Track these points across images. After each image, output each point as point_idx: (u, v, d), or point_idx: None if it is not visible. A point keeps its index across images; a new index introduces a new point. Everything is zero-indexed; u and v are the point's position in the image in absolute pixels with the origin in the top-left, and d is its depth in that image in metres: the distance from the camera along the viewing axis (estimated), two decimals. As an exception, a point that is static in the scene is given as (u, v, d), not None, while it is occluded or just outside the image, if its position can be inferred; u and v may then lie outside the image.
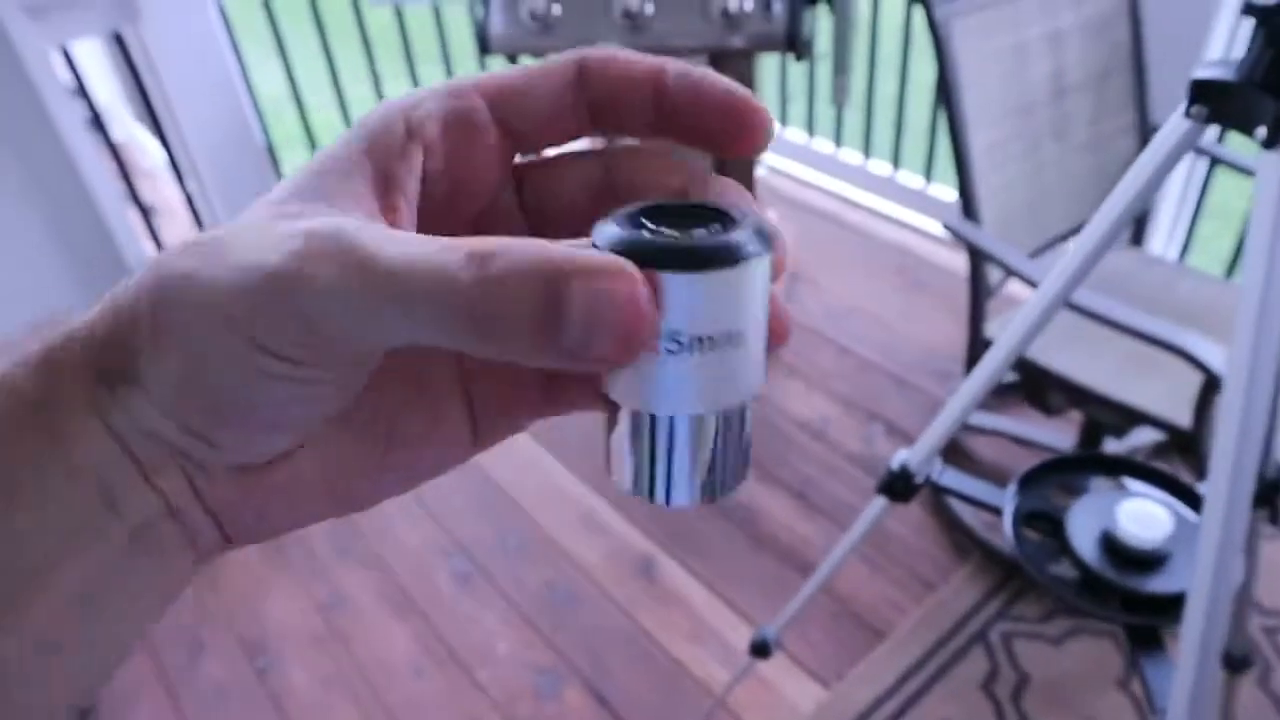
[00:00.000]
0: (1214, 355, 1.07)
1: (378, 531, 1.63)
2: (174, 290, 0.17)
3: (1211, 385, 1.11)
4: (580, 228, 0.19)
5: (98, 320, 0.17)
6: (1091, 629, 1.38)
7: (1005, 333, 0.77)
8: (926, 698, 1.32)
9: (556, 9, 1.48)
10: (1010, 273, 1.27)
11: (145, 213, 2.17)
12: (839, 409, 1.81)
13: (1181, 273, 1.56)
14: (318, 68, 2.38)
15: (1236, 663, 1.06)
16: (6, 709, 0.16)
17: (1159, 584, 0.76)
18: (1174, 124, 0.62)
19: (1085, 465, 0.89)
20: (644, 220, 0.18)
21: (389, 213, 0.19)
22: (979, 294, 1.38)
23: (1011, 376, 1.45)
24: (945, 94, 1.30)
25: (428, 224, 0.20)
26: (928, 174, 2.29)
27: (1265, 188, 0.56)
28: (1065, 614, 1.41)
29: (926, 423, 0.89)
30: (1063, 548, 0.80)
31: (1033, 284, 1.18)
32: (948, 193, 2.23)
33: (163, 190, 2.43)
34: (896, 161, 2.36)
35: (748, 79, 1.74)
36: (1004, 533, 0.81)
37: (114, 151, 2.07)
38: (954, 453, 1.66)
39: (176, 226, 2.33)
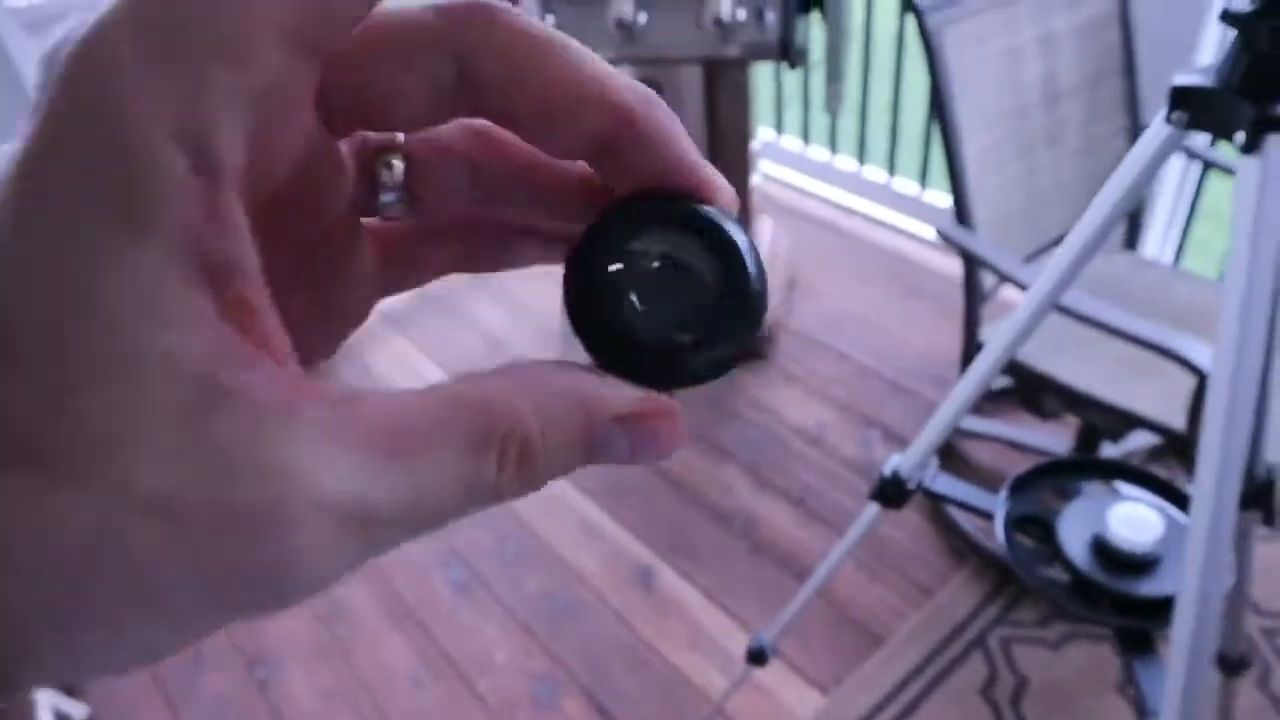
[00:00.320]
0: (1208, 358, 1.07)
1: (376, 542, 1.63)
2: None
3: (1205, 387, 1.11)
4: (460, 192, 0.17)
5: None
6: (1090, 633, 1.38)
7: (995, 337, 0.78)
8: (925, 704, 1.32)
9: (550, 20, 1.49)
10: (1003, 278, 1.28)
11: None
12: (836, 415, 1.82)
13: (1175, 276, 1.57)
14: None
15: (1233, 664, 1.06)
16: None
17: (1150, 587, 0.76)
18: (1156, 129, 0.62)
19: (1078, 469, 0.89)
20: (633, 244, 0.17)
21: (243, 322, 0.13)
22: (973, 299, 1.39)
23: (1007, 381, 1.45)
24: (938, 101, 1.30)
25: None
26: (923, 180, 2.30)
27: (1244, 191, 0.56)
28: (1063, 618, 1.41)
29: (923, 428, 0.90)
30: (1055, 552, 0.80)
31: (1025, 288, 1.18)
32: (943, 198, 2.23)
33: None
34: (891, 168, 2.37)
35: (742, 88, 1.75)
36: (996, 538, 0.82)
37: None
38: (950, 458, 1.67)
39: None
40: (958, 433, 1.63)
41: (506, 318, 2.14)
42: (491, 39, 0.15)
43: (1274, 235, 0.57)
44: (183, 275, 0.12)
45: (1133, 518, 0.78)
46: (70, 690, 1.36)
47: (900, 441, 1.73)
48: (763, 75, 2.39)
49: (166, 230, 0.12)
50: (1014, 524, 0.84)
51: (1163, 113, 0.61)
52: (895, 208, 2.37)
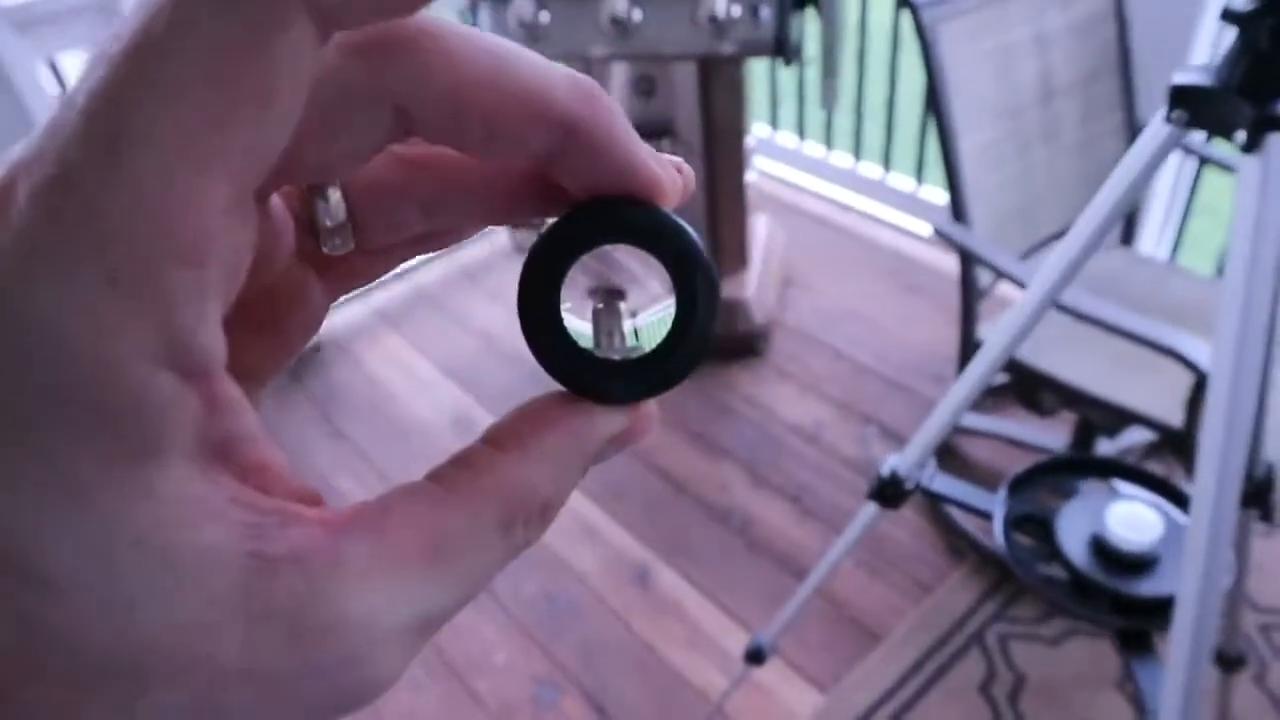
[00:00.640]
0: (1204, 355, 1.07)
1: (373, 542, 1.63)
2: None
3: (1202, 385, 1.11)
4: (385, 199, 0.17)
5: None
6: (1088, 629, 1.38)
7: (993, 335, 0.78)
8: (924, 701, 1.32)
9: (545, 16, 1.48)
10: (1000, 275, 1.27)
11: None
12: (833, 413, 1.81)
13: (1172, 272, 1.57)
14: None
15: (1230, 661, 1.06)
16: None
17: (1149, 587, 0.76)
18: (1155, 128, 0.62)
19: (1075, 468, 0.89)
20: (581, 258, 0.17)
21: (265, 482, 0.14)
22: (970, 296, 1.39)
23: (1004, 378, 1.45)
24: (934, 97, 1.30)
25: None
26: (919, 176, 2.30)
27: (1245, 190, 0.56)
28: (1062, 615, 1.41)
29: (921, 425, 0.89)
30: (1053, 551, 0.80)
31: (1023, 285, 1.18)
32: (939, 194, 2.23)
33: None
34: (887, 164, 2.36)
35: (737, 84, 1.74)
36: (994, 537, 0.81)
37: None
38: (947, 455, 1.67)
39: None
40: (955, 430, 1.63)
41: (500, 315, 2.13)
42: (426, 80, 0.14)
43: (1274, 234, 0.56)
44: (202, 471, 0.13)
45: (1131, 517, 0.78)
46: None
47: (897, 439, 1.73)
48: (758, 71, 2.39)
49: (178, 447, 0.12)
50: (1012, 523, 0.84)
51: (1162, 111, 0.61)
52: (891, 204, 2.37)
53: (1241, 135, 0.56)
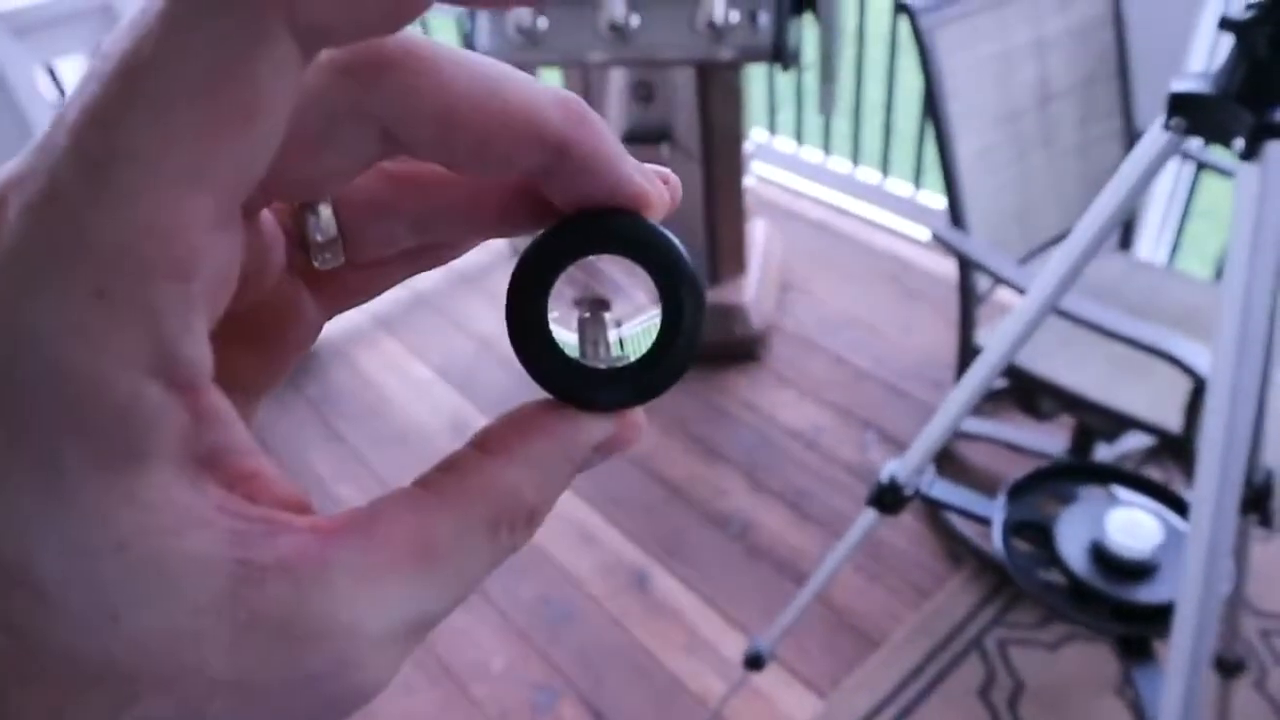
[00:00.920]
0: (1202, 359, 1.07)
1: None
2: None
3: (1201, 389, 1.11)
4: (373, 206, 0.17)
5: None
6: (1087, 635, 1.38)
7: (993, 341, 0.78)
8: (923, 706, 1.31)
9: (543, 22, 1.49)
10: (998, 280, 1.27)
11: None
12: (832, 418, 1.81)
13: (1170, 276, 1.57)
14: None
15: (1230, 667, 1.06)
16: None
17: (1148, 593, 0.76)
18: (1153, 135, 0.62)
19: (1074, 474, 0.89)
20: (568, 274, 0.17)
21: (252, 490, 0.14)
22: (968, 301, 1.39)
23: (1003, 382, 1.45)
24: (932, 102, 1.30)
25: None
26: (917, 181, 2.30)
27: (1244, 197, 0.56)
28: (1061, 621, 1.41)
29: (920, 430, 0.89)
30: (1052, 557, 0.80)
31: (1020, 290, 1.18)
32: (937, 199, 2.23)
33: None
34: (885, 169, 2.36)
35: (735, 90, 1.74)
36: (993, 543, 0.81)
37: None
38: (945, 459, 1.66)
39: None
40: (954, 434, 1.63)
41: (498, 319, 2.13)
42: (415, 101, 0.14)
43: (1273, 241, 0.56)
44: (189, 480, 0.13)
45: (1131, 524, 0.77)
46: None
47: (896, 444, 1.73)
48: (756, 77, 2.39)
49: (164, 456, 0.13)
50: (1011, 529, 0.84)
51: (1160, 118, 0.61)
52: (889, 209, 2.37)
53: (1240, 143, 0.56)
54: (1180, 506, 0.83)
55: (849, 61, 2.16)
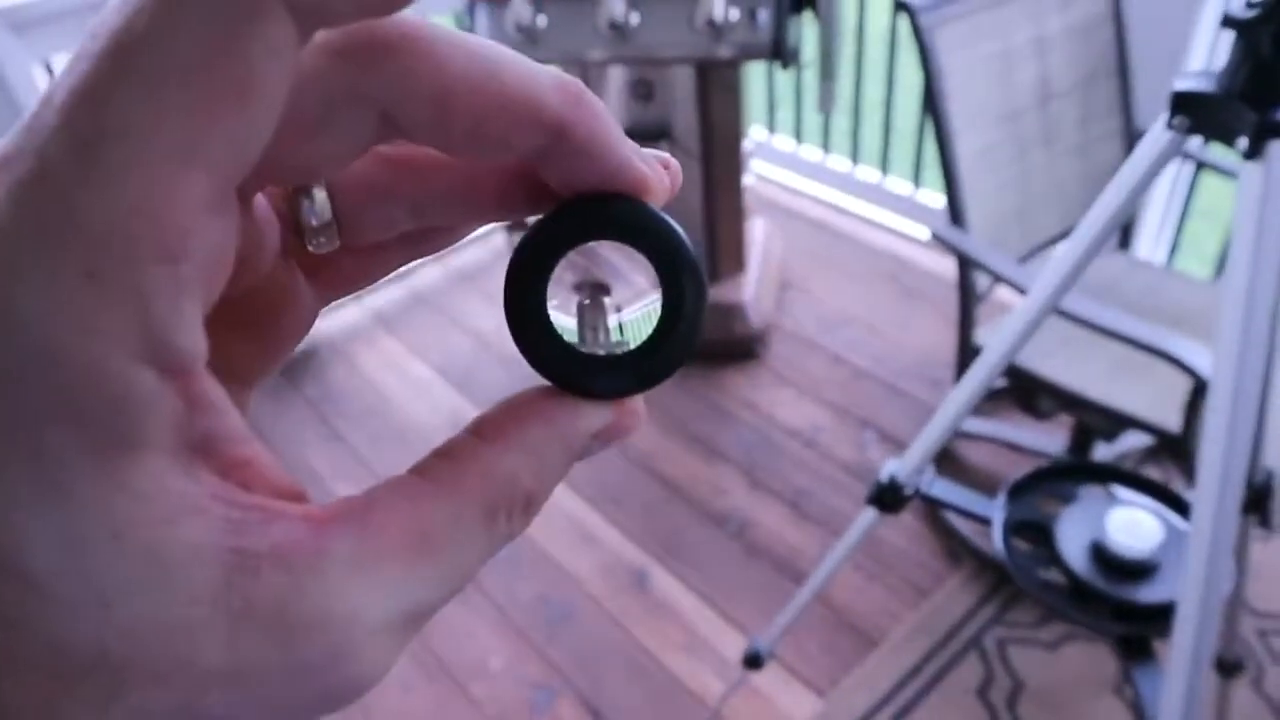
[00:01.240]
0: (1201, 359, 1.07)
1: (369, 546, 1.62)
2: None
3: (1200, 389, 1.11)
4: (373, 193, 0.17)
5: None
6: (1086, 634, 1.38)
7: (993, 340, 0.77)
8: (922, 705, 1.31)
9: (542, 20, 1.48)
10: (998, 279, 1.27)
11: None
12: (831, 417, 1.81)
13: (1169, 276, 1.57)
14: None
15: (1229, 667, 1.06)
16: None
17: (1149, 593, 0.76)
18: (1156, 134, 0.62)
19: (1074, 473, 0.89)
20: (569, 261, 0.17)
21: (246, 478, 0.14)
22: (968, 300, 1.39)
23: (1002, 382, 1.45)
24: (931, 101, 1.30)
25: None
26: (916, 180, 2.30)
27: (1246, 197, 0.56)
28: (1061, 620, 1.41)
29: (919, 429, 0.89)
30: (1052, 557, 0.80)
31: (1020, 289, 1.18)
32: (937, 198, 2.23)
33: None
34: (884, 167, 2.36)
35: (734, 88, 1.74)
36: (993, 543, 0.81)
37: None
38: (944, 458, 1.66)
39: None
40: (953, 433, 1.63)
41: (497, 317, 2.12)
42: (412, 85, 0.14)
43: (1275, 241, 0.56)
44: (183, 467, 0.13)
45: (1131, 524, 0.77)
46: None
47: (895, 443, 1.73)
48: (755, 75, 2.39)
49: (157, 443, 0.12)
50: (1011, 529, 0.84)
51: (1163, 118, 0.61)
52: (889, 208, 2.37)
53: (1243, 142, 0.55)
54: (1180, 506, 0.83)
55: (848, 59, 2.16)
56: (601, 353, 0.17)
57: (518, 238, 0.17)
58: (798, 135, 2.56)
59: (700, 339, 0.17)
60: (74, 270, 0.11)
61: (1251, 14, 0.53)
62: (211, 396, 0.13)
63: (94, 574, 0.12)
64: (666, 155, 0.17)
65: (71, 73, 0.12)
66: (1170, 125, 0.60)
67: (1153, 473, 1.57)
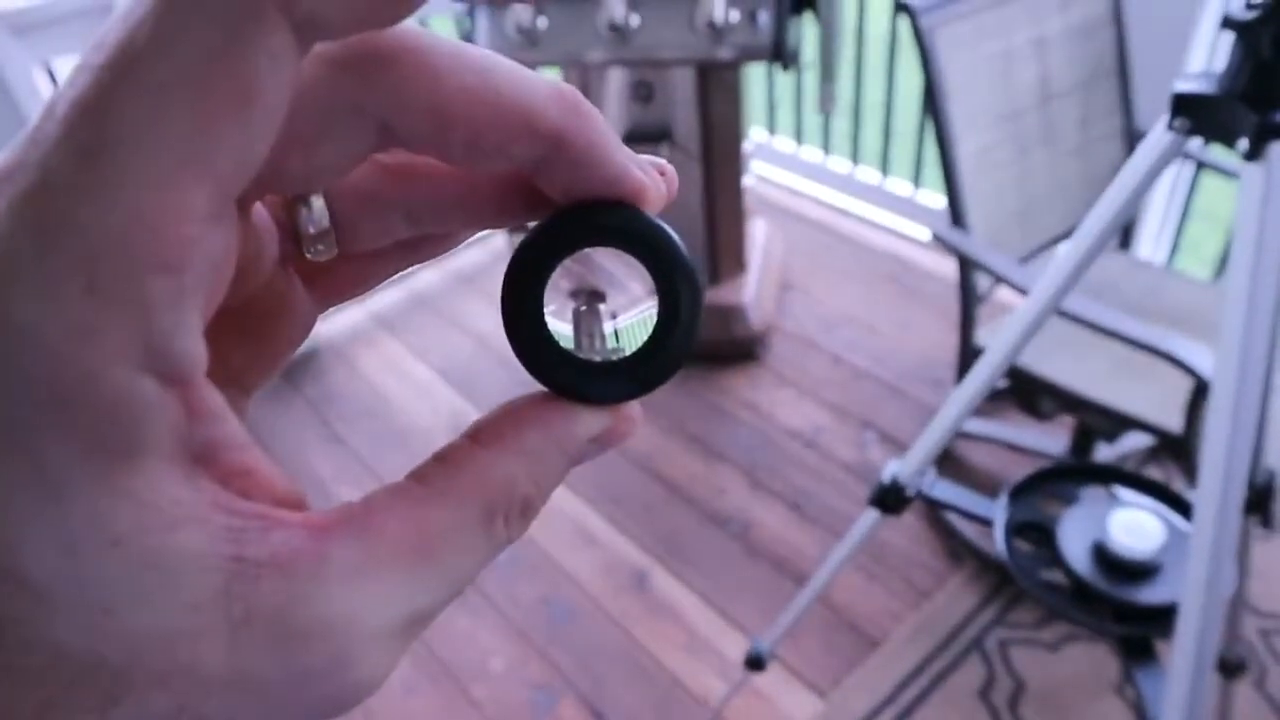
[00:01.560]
0: (1202, 359, 1.07)
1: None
2: None
3: (1201, 389, 1.11)
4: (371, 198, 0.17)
5: None
6: (1087, 635, 1.38)
7: (995, 342, 0.77)
8: (923, 707, 1.31)
9: (542, 22, 1.48)
10: (999, 279, 1.27)
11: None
12: (831, 418, 1.81)
13: (1169, 276, 1.57)
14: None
15: (1231, 667, 1.06)
16: None
17: (1151, 594, 0.76)
18: (1157, 136, 0.62)
19: (1076, 474, 0.89)
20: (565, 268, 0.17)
21: (246, 486, 0.14)
22: (969, 301, 1.39)
23: (1003, 382, 1.45)
24: (932, 102, 1.30)
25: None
26: (916, 180, 2.30)
27: (1247, 199, 0.56)
28: (1063, 621, 1.41)
29: (920, 430, 0.89)
30: (1054, 558, 0.80)
31: (1021, 290, 1.18)
32: (937, 199, 2.23)
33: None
34: (885, 169, 2.36)
35: (734, 89, 1.74)
36: (995, 544, 0.81)
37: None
38: (945, 459, 1.66)
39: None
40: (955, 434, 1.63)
41: (497, 319, 2.12)
42: (410, 96, 0.14)
43: (1277, 242, 0.56)
44: (183, 475, 0.13)
45: (1133, 524, 0.77)
46: None
47: (896, 444, 1.73)
48: (755, 76, 2.39)
49: (157, 451, 0.12)
50: (1013, 530, 0.84)
51: (1164, 119, 0.61)
52: (889, 208, 2.37)
53: (1244, 143, 0.55)
54: (1182, 507, 0.83)
55: (848, 61, 2.16)
56: (598, 359, 0.17)
57: (518, 239, 0.17)
58: (798, 136, 2.56)
59: (696, 345, 0.17)
60: (75, 281, 0.11)
61: (1252, 15, 0.53)
62: (211, 404, 0.13)
63: (94, 581, 0.12)
64: (663, 162, 0.17)
65: (74, 84, 0.12)
66: (1171, 127, 0.60)
67: (1154, 473, 1.57)
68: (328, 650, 0.13)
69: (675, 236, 0.17)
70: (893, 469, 0.89)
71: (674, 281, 0.16)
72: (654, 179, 0.16)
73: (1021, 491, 0.87)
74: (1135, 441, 1.52)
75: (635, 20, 1.46)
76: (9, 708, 0.12)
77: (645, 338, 0.17)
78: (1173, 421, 1.20)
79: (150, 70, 0.11)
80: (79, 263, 0.11)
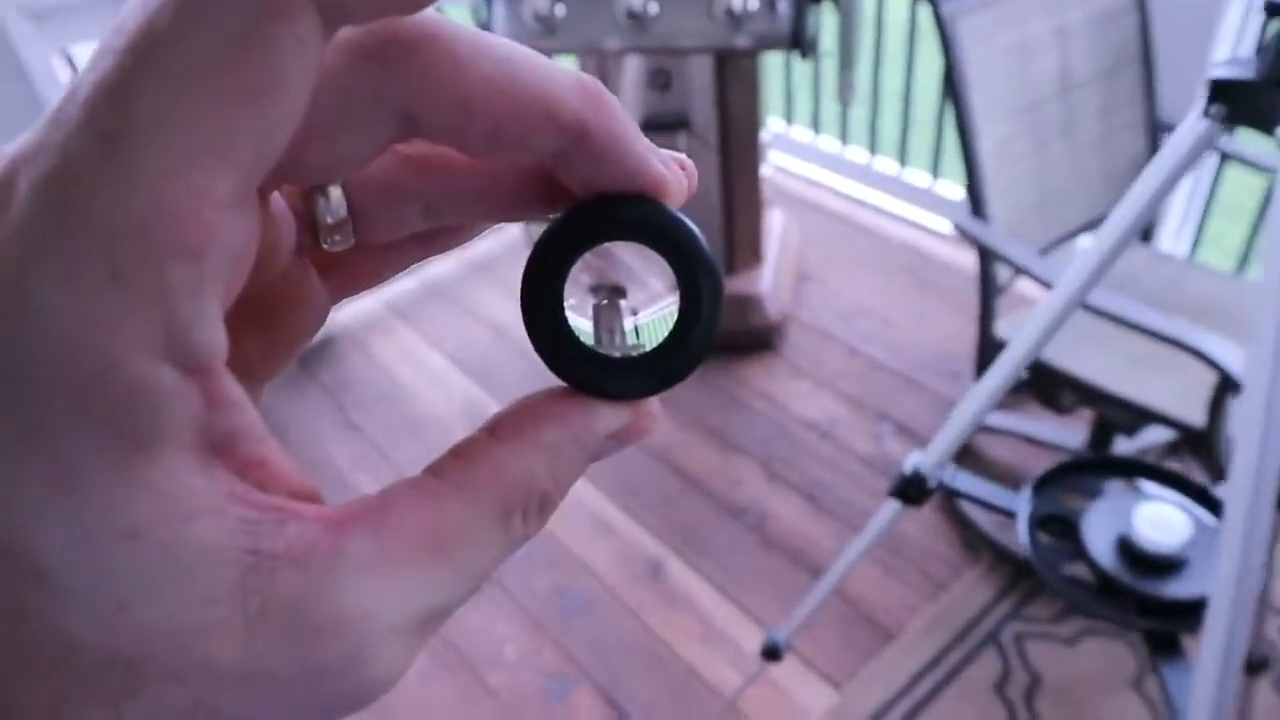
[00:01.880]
0: (1228, 354, 1.06)
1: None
2: None
3: (1226, 384, 1.10)
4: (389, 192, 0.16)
5: None
6: (1105, 629, 1.37)
7: (1019, 335, 0.77)
8: (938, 700, 1.31)
9: (560, 9, 1.47)
10: (1020, 271, 1.26)
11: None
12: (847, 409, 1.80)
13: (1191, 269, 1.55)
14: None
15: (1253, 665, 1.05)
16: None
17: (1177, 589, 0.75)
18: (1191, 124, 0.61)
19: (1099, 468, 0.88)
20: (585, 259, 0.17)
21: (263, 478, 0.13)
22: (988, 292, 1.38)
23: (1022, 375, 1.44)
24: (952, 92, 1.29)
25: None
26: (934, 171, 2.28)
27: (1286, 188, 0.55)
28: (1078, 614, 1.40)
29: (936, 422, 0.88)
30: (1078, 551, 0.79)
31: (1042, 282, 1.17)
32: (954, 190, 2.22)
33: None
34: (903, 159, 2.35)
35: (752, 78, 1.73)
36: (1019, 537, 0.80)
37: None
38: (963, 452, 1.65)
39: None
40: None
41: (513, 308, 2.13)
42: (432, 85, 0.14)
43: (1314, 233, 0.55)
44: (199, 465, 0.12)
45: (1159, 518, 0.77)
46: None
47: (912, 436, 1.72)
48: (773, 65, 2.37)
49: (176, 441, 0.12)
50: (1036, 523, 0.83)
51: (1199, 106, 0.60)
52: (906, 199, 2.35)
53: (1283, 131, 0.54)
54: (1208, 501, 0.82)
55: (867, 49, 2.14)
56: (618, 354, 0.17)
57: (535, 230, 0.17)
58: (815, 126, 2.54)
59: (715, 341, 0.17)
60: (96, 267, 0.11)
61: (1294, 0, 0.52)
62: (231, 394, 0.13)
63: (109, 573, 0.12)
64: (683, 156, 0.17)
65: (95, 68, 0.11)
66: (1207, 114, 0.59)
67: (1173, 468, 1.55)
68: (343, 645, 0.13)
69: (697, 231, 0.16)
70: (914, 460, 0.88)
71: (695, 277, 0.16)
72: (674, 172, 0.16)
73: (1044, 484, 0.86)
74: (1155, 436, 1.51)
75: (654, 8, 1.45)
76: (22, 700, 0.12)
77: (666, 333, 0.17)
78: (1195, 415, 1.18)
79: (172, 54, 0.11)
80: (100, 248, 0.11)
